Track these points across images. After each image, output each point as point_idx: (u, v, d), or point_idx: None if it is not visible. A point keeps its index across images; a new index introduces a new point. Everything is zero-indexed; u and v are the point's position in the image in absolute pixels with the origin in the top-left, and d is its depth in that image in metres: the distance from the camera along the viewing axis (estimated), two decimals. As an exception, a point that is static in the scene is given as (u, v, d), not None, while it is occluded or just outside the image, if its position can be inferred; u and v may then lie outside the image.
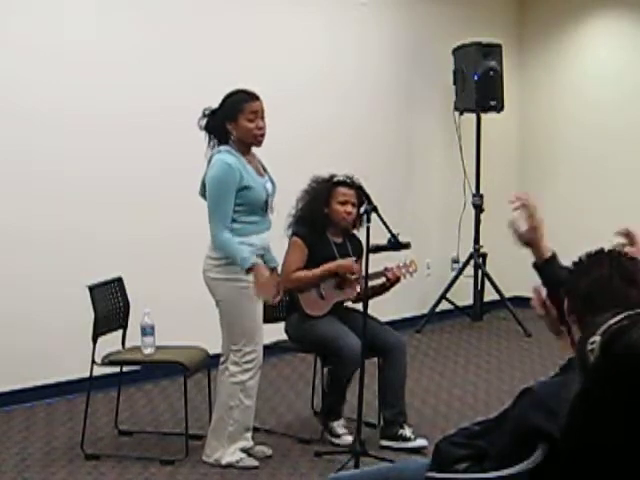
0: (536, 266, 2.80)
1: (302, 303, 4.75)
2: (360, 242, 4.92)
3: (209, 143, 4.38)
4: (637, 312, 1.54)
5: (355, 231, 4.94)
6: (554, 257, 2.79)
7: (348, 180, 4.80)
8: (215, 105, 4.37)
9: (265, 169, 4.46)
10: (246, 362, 4.34)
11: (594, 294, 2.13)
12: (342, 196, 4.76)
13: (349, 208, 4.77)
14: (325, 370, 4.80)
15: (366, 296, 4.48)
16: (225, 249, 4.24)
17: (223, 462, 4.38)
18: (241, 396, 4.35)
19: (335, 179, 4.80)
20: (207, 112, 4.37)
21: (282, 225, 4.79)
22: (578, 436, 1.07)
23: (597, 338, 1.64)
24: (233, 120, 4.29)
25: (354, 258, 4.84)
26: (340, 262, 4.77)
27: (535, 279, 2.94)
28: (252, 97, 4.31)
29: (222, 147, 4.32)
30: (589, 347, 1.65)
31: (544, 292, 2.59)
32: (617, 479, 1.02)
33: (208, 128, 4.37)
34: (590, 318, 2.15)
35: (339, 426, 4.71)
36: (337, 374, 4.65)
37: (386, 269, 4.81)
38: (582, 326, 2.18)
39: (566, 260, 2.78)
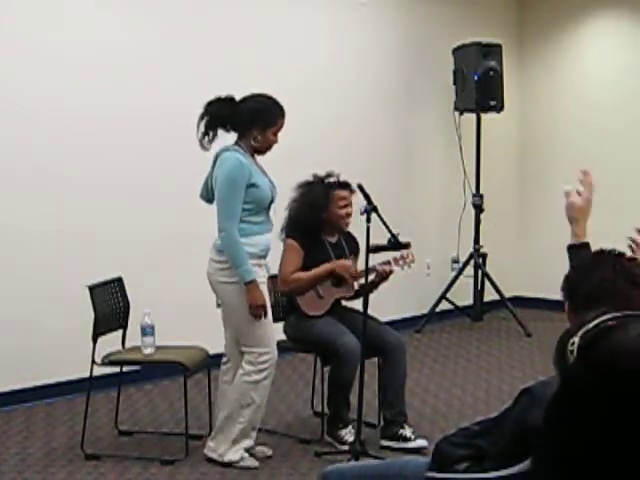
0: (571, 248, 2.78)
1: (301, 304, 4.74)
2: (356, 241, 4.92)
3: (207, 133, 4.27)
4: (624, 314, 1.52)
5: (349, 229, 4.93)
6: (588, 245, 2.77)
7: (343, 182, 4.75)
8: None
9: (264, 171, 4.46)
10: (261, 362, 4.34)
11: (597, 296, 2.13)
12: (341, 200, 4.73)
13: (349, 210, 4.76)
14: (326, 373, 4.78)
15: (366, 294, 4.48)
16: (232, 249, 4.21)
17: (225, 458, 4.37)
18: (253, 395, 4.35)
19: (328, 181, 4.72)
20: (225, 97, 4.28)
21: (280, 226, 4.79)
22: (552, 443, 1.05)
23: (577, 339, 1.61)
24: (262, 129, 4.28)
25: (350, 259, 4.82)
26: (338, 263, 4.76)
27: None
28: (284, 113, 4.34)
29: (230, 146, 4.31)
30: (569, 348, 1.63)
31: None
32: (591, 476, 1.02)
33: (216, 113, 4.26)
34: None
35: (347, 434, 4.62)
36: (337, 375, 4.65)
37: (381, 266, 4.79)
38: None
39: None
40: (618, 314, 1.54)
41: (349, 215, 4.77)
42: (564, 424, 1.04)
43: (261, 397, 4.38)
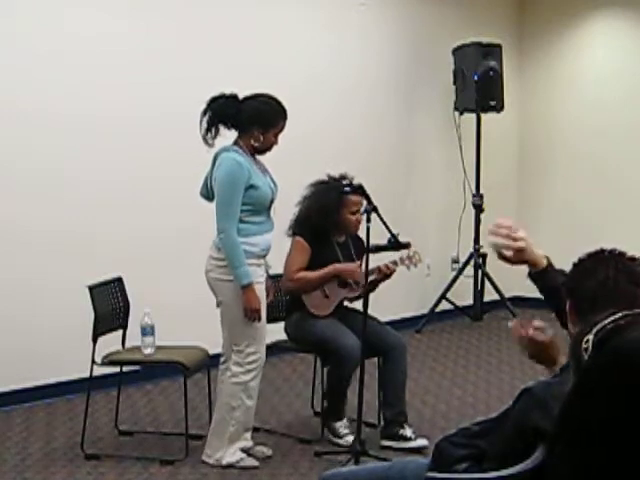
0: (531, 276, 2.66)
1: (307, 303, 4.73)
2: (363, 242, 4.91)
3: (209, 129, 4.27)
4: (634, 312, 1.54)
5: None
6: (549, 264, 2.64)
7: (357, 188, 4.64)
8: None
9: (266, 170, 4.46)
10: (249, 363, 4.33)
11: (600, 296, 2.12)
12: (354, 205, 4.70)
13: (359, 216, 4.75)
14: (325, 371, 4.79)
15: (367, 295, 4.48)
16: (231, 250, 4.20)
17: (224, 462, 4.37)
18: (243, 396, 4.35)
19: (342, 185, 4.68)
20: (228, 94, 4.29)
21: (281, 226, 4.78)
22: (572, 429, 1.07)
23: (591, 337, 1.64)
24: (264, 129, 4.28)
25: (358, 263, 4.81)
26: (344, 267, 4.75)
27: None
28: (286, 115, 4.34)
29: (229, 146, 4.31)
30: (583, 346, 1.66)
31: (522, 326, 2.51)
32: (608, 470, 1.03)
33: (219, 110, 4.27)
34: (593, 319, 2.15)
35: (342, 427, 4.68)
36: (336, 374, 4.65)
37: (385, 265, 4.78)
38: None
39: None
40: (630, 312, 1.55)
41: (359, 222, 4.76)
42: (578, 418, 1.06)
43: (250, 398, 4.37)
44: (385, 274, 4.78)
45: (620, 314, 1.57)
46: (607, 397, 1.04)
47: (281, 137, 4.41)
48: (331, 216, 4.71)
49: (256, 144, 4.31)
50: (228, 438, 4.38)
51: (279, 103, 4.35)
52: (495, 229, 2.61)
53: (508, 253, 2.59)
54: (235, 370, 4.35)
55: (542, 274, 2.63)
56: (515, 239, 2.57)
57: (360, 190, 4.58)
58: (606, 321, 1.58)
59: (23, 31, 5.34)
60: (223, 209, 4.23)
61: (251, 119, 4.28)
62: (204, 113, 4.29)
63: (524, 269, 2.68)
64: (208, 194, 4.43)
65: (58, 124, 5.47)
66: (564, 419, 1.10)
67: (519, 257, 2.60)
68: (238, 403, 4.35)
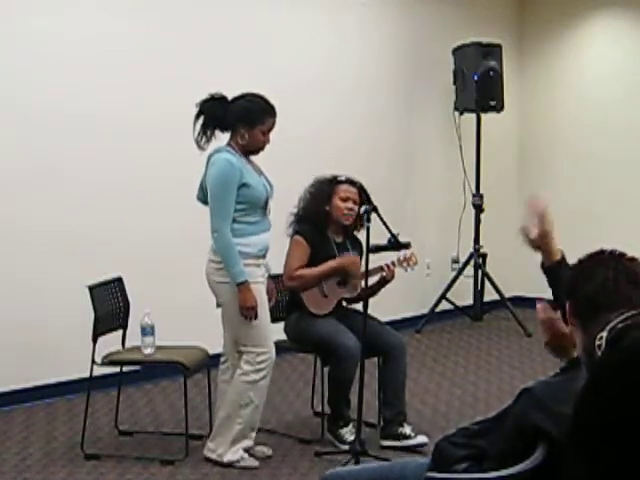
0: (543, 268, 2.71)
1: (305, 302, 4.74)
2: (360, 242, 4.92)
3: (204, 132, 4.29)
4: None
5: (355, 232, 4.93)
6: (563, 259, 2.68)
7: (351, 180, 4.78)
8: None
9: (261, 171, 4.45)
10: (259, 362, 4.33)
11: (600, 297, 2.11)
12: (344, 192, 4.73)
13: (350, 204, 4.75)
14: (326, 373, 4.77)
15: (367, 295, 4.49)
16: (225, 250, 4.22)
17: (225, 459, 4.37)
18: (251, 395, 4.35)
19: (338, 178, 4.80)
20: (217, 95, 4.31)
21: (281, 226, 4.79)
22: (585, 427, 1.08)
23: (604, 334, 1.65)
24: (249, 127, 4.27)
25: (355, 252, 4.84)
26: (344, 258, 4.77)
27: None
28: (274, 112, 4.32)
29: (221, 147, 4.31)
30: (597, 343, 1.67)
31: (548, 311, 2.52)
32: (622, 468, 1.03)
33: (210, 112, 4.29)
34: (595, 320, 2.16)
35: (347, 433, 4.63)
36: (336, 374, 4.65)
37: (387, 265, 4.79)
38: (585, 328, 2.18)
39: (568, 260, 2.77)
40: (637, 312, 1.56)
41: (350, 210, 4.75)
42: (590, 416, 1.07)
43: (259, 397, 4.38)
44: (391, 276, 4.79)
45: (628, 314, 1.58)
46: (620, 395, 1.05)
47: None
48: (323, 204, 4.73)
49: (243, 143, 4.30)
50: (234, 436, 4.38)
51: (266, 101, 4.34)
52: (533, 202, 2.69)
53: (534, 233, 2.65)
54: (246, 368, 4.34)
55: (555, 268, 2.66)
56: (545, 221, 2.65)
57: (360, 189, 4.61)
58: (616, 320, 1.59)
59: (23, 31, 5.34)
60: (216, 209, 4.24)
61: (237, 118, 4.29)
62: (197, 117, 4.31)
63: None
64: (204, 198, 4.42)
65: (58, 124, 5.47)
66: (577, 417, 1.10)
67: (541, 240, 2.66)
68: (246, 401, 4.35)
